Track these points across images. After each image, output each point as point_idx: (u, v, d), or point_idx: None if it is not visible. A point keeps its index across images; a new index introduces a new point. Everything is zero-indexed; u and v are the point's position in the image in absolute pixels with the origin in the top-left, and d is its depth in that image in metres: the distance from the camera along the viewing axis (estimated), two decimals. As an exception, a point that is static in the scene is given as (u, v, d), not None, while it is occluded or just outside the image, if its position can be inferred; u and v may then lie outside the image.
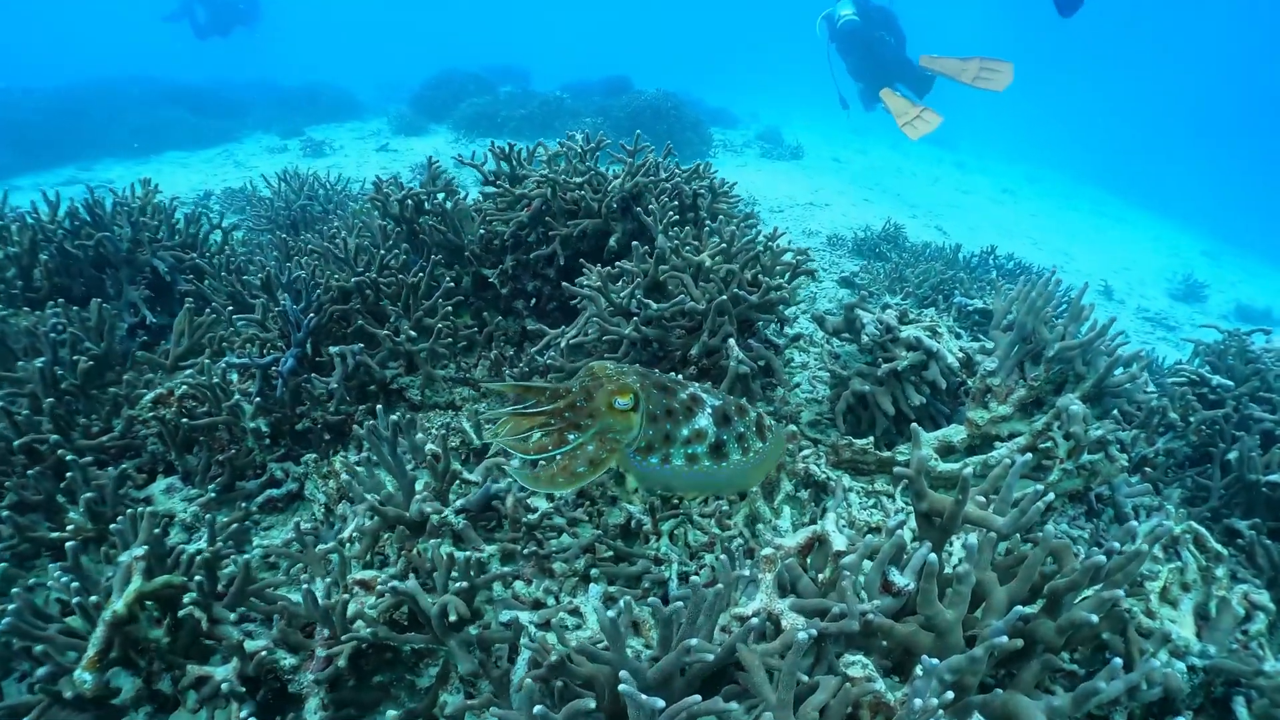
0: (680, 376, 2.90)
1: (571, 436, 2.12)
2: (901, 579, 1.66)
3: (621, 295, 2.64)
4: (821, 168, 13.51)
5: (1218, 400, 3.64)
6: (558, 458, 2.11)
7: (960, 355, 3.11)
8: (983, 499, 1.72)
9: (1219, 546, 2.69)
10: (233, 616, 2.16)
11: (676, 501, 2.61)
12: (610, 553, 2.46)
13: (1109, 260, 12.22)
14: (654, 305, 2.57)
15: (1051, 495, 1.72)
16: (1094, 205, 17.96)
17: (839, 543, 1.77)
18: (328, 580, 2.38)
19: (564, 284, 2.79)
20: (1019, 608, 1.45)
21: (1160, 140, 33.71)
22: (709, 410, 2.34)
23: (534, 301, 3.78)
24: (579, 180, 3.28)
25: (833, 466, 3.00)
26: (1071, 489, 2.89)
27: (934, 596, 1.49)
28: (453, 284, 3.50)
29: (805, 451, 2.73)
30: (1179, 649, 2.24)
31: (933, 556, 1.45)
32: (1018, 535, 2.08)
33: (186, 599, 2.07)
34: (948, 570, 2.00)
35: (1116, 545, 1.55)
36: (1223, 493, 3.22)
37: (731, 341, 2.48)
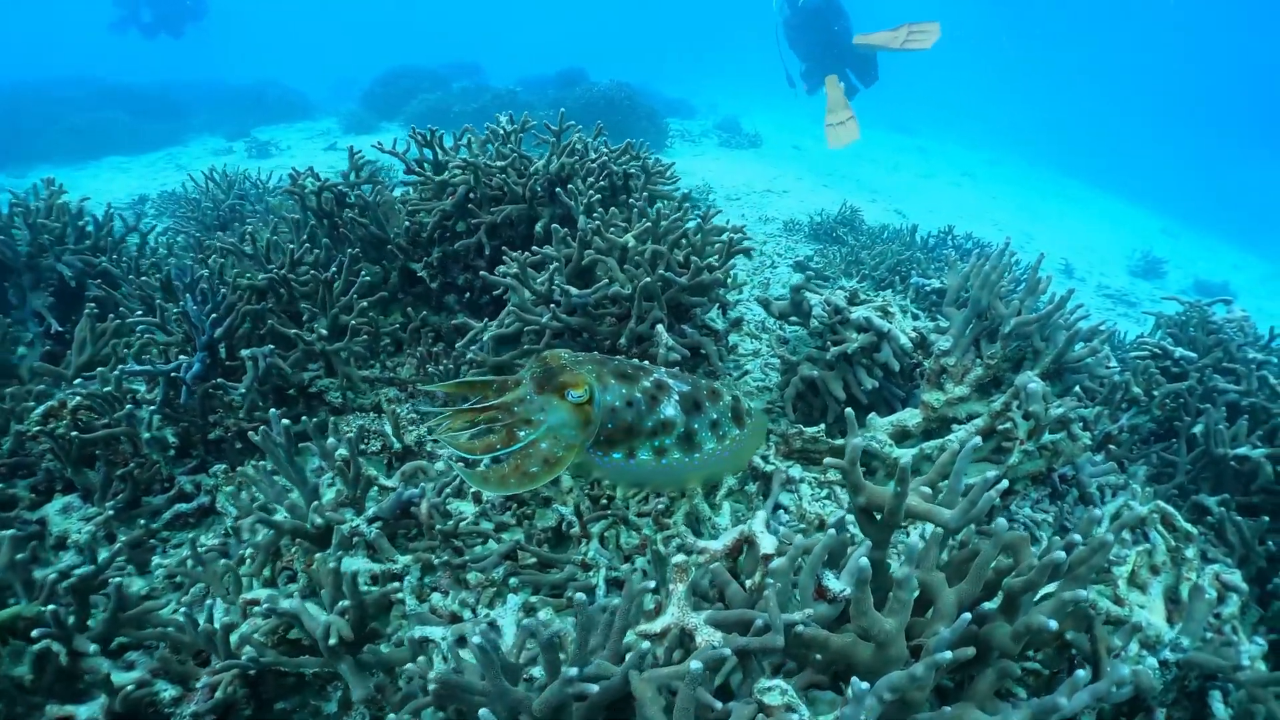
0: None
1: (522, 434, 1.96)
2: (837, 584, 1.47)
3: (540, 283, 2.41)
4: (780, 155, 13.37)
5: (1181, 373, 3.51)
6: (509, 457, 1.94)
7: (914, 335, 2.93)
8: (928, 489, 1.53)
9: (1188, 526, 2.55)
10: (93, 648, 1.91)
11: (606, 501, 2.39)
12: (533, 559, 2.24)
13: (1069, 240, 12.23)
14: (575, 292, 2.35)
15: (1005, 483, 1.53)
16: (1053, 187, 18.09)
17: (767, 545, 1.57)
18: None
19: (483, 274, 2.56)
20: (967, 615, 1.25)
21: (1117, 122, 34.19)
22: (676, 397, 2.17)
23: (466, 295, 3.54)
24: (501, 164, 3.04)
25: (784, 457, 2.81)
26: (1034, 471, 2.74)
27: (869, 605, 1.29)
28: (370, 279, 3.25)
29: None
30: (1150, 640, 2.08)
31: (866, 561, 1.25)
32: (972, 526, 1.90)
33: (36, 632, 1.82)
34: (895, 569, 1.81)
35: (1078, 538, 1.36)
36: (1189, 468, 3.09)
37: (660, 328, 2.27)
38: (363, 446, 2.93)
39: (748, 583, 1.60)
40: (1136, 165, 23.85)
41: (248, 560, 2.22)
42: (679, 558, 1.50)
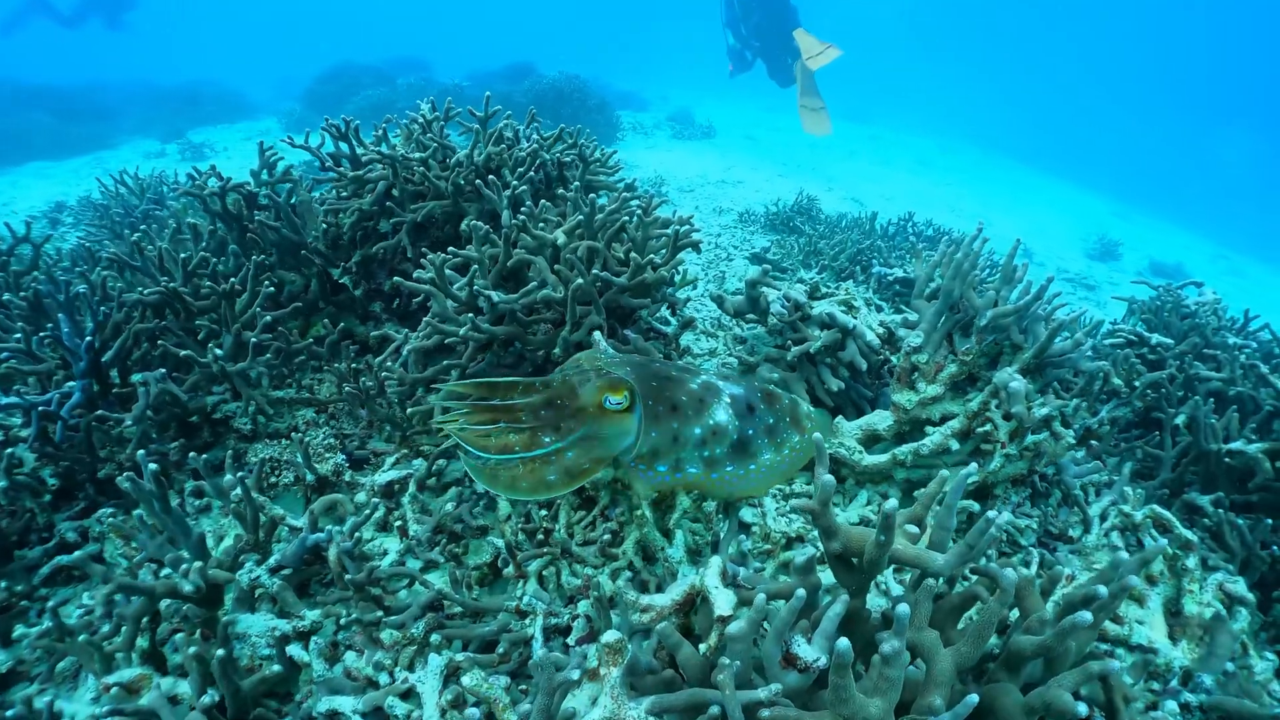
0: (694, 362, 2.39)
1: (546, 439, 1.74)
2: (810, 651, 1.19)
3: (459, 288, 2.09)
4: (734, 146, 13.14)
5: (1159, 360, 3.33)
6: (525, 460, 1.73)
7: (881, 330, 2.68)
8: (914, 528, 1.26)
9: (1187, 532, 2.33)
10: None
11: (543, 535, 2.09)
12: (459, 609, 1.94)
13: (1026, 225, 12.21)
14: (496, 296, 2.04)
15: (1006, 516, 1.27)
16: (1006, 173, 18.18)
17: (722, 604, 1.28)
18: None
19: (397, 280, 2.23)
20: (972, 699, 0.98)
21: (1063, 107, 34.77)
22: (727, 400, 1.93)
23: (395, 303, 3.20)
24: (421, 156, 2.71)
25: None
26: (1015, 474, 2.51)
27: (851, 691, 1.01)
28: (290, 289, 2.90)
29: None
30: (1159, 669, 1.85)
31: (846, 643, 0.97)
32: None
33: None
34: (876, 609, 1.54)
35: (1103, 592, 1.10)
36: (1174, 462, 2.90)
37: (597, 335, 1.98)
38: (273, 479, 2.59)
39: (702, 647, 1.32)
40: (1084, 150, 24.24)
41: (118, 631, 1.87)
42: (610, 635, 1.21)
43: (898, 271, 4.01)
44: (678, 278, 2.62)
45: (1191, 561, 2.28)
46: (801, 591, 1.11)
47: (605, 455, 1.78)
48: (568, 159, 2.80)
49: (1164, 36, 45.14)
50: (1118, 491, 2.63)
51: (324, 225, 3.06)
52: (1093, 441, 2.94)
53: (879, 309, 3.20)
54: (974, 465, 1.27)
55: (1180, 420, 3.00)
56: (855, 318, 2.61)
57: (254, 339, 2.53)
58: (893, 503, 1.10)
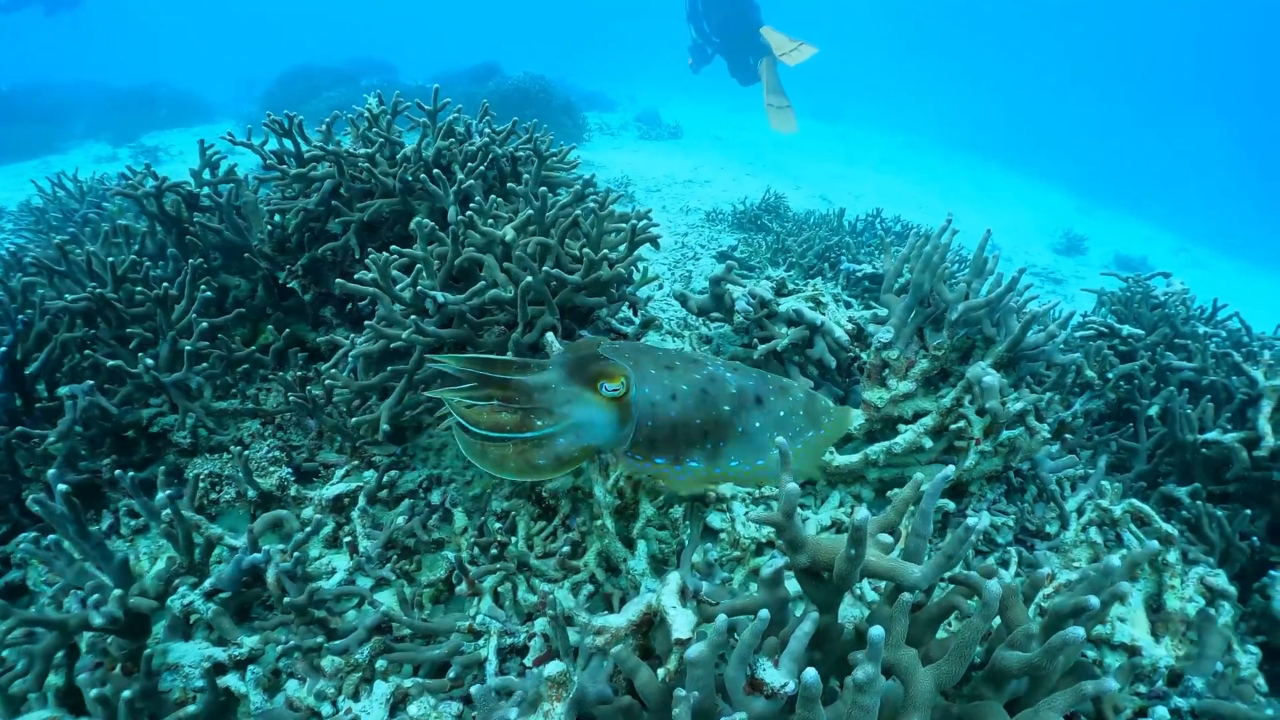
0: (701, 351, 2.29)
1: (539, 422, 1.71)
2: (776, 675, 1.08)
3: (403, 289, 1.96)
4: (702, 146, 13.08)
5: (1130, 352, 3.29)
6: (515, 440, 1.69)
7: (850, 327, 2.60)
8: (887, 537, 1.16)
9: (1167, 526, 2.27)
10: None
11: (498, 550, 1.97)
12: (408, 630, 1.81)
13: (992, 221, 12.29)
14: (441, 297, 1.91)
15: (987, 520, 1.18)
16: (972, 171, 18.33)
17: (681, 626, 1.17)
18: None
19: (340, 282, 2.10)
20: (957, 730, 0.88)
21: (1026, 105, 35.27)
22: (733, 392, 1.87)
23: (348, 307, 3.05)
24: (368, 151, 2.57)
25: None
26: (990, 471, 2.44)
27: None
28: (215, 294, 2.74)
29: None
30: (1145, 670, 1.77)
31: (814, 675, 0.87)
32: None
33: None
34: (852, 619, 1.44)
35: (1094, 603, 1.01)
36: (1149, 453, 2.85)
37: (550, 336, 1.86)
38: (214, 495, 2.43)
39: (661, 671, 1.20)
40: (1048, 147, 24.54)
41: (29, 671, 1.71)
42: (553, 668, 1.09)
43: (866, 268, 3.94)
44: (637, 275, 2.51)
45: (1172, 556, 2.22)
46: (764, 613, 1.01)
47: (597, 444, 1.75)
48: (522, 154, 2.67)
49: (1122, 34, 46.08)
50: (1094, 485, 2.57)
51: (268, 227, 2.90)
52: (1067, 435, 2.88)
53: (848, 305, 3.12)
54: (950, 468, 1.17)
55: (1154, 411, 2.96)
56: (823, 314, 2.52)
57: (189, 347, 2.37)
58: (863, 513, 0.99)
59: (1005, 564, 2.28)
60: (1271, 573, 2.37)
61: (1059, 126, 31.35)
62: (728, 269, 2.49)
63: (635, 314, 2.49)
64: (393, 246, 1.97)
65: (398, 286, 1.96)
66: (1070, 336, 3.49)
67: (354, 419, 2.10)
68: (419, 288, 1.88)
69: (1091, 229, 12.50)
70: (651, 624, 1.29)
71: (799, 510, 2.21)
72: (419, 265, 1.97)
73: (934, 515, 1.15)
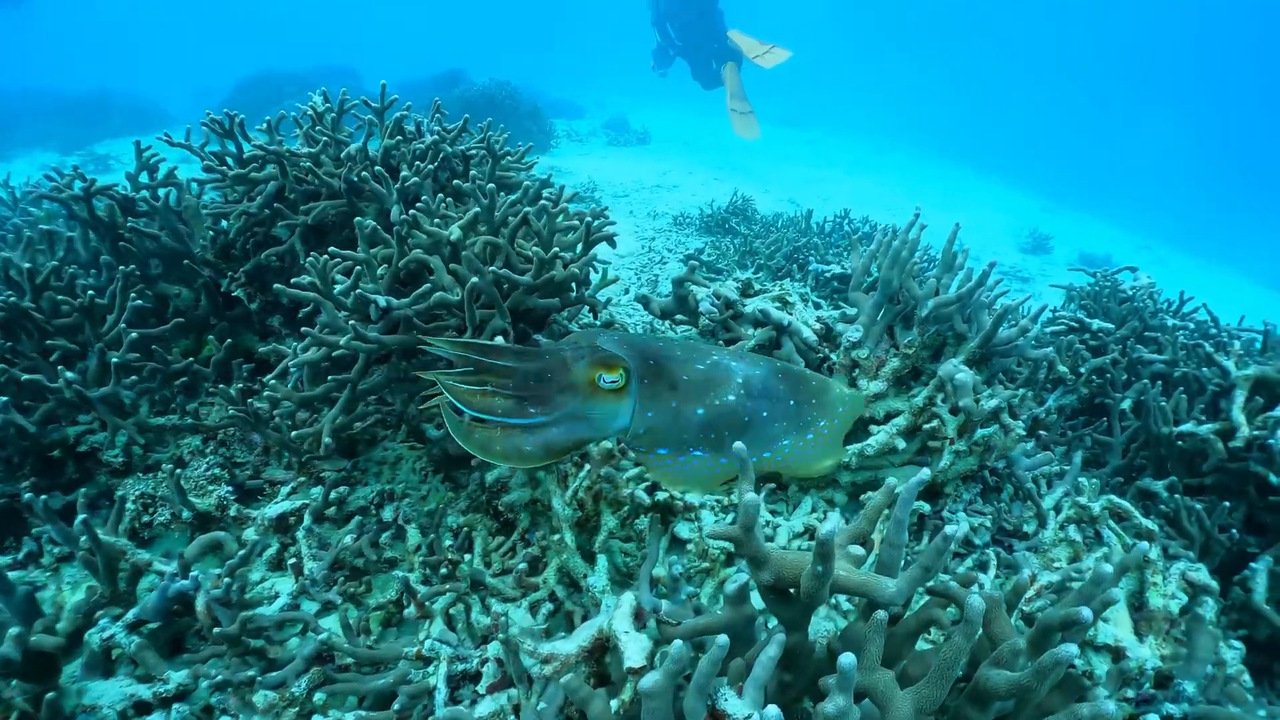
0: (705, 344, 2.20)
1: (533, 410, 1.65)
2: (739, 706, 0.98)
3: (342, 293, 1.83)
4: (670, 151, 13.03)
5: (1101, 346, 3.25)
6: (504, 425, 1.61)
7: (818, 327, 2.51)
8: (858, 548, 1.06)
9: (1147, 521, 2.21)
10: None
11: (449, 568, 1.84)
12: (351, 659, 1.68)
13: (960, 221, 12.35)
14: (383, 300, 1.79)
15: (966, 526, 1.08)
16: (939, 173, 18.51)
17: (634, 654, 1.06)
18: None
19: (277, 287, 1.97)
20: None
21: (990, 108, 35.84)
22: (739, 381, 1.80)
23: (298, 314, 2.91)
24: (312, 151, 2.44)
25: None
26: (965, 470, 2.37)
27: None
28: (151, 304, 2.59)
29: (630, 471, 2.03)
30: (1131, 673, 1.70)
31: (774, 712, 0.76)
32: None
33: None
34: (824, 633, 1.35)
35: (1087, 614, 0.92)
36: (1124, 447, 2.81)
37: (500, 341, 1.74)
38: (146, 518, 2.28)
39: (615, 702, 1.09)
40: (1011, 149, 24.92)
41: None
42: (485, 709, 0.97)
43: (835, 268, 3.87)
44: (595, 277, 2.41)
45: (1154, 552, 2.16)
46: (723, 639, 0.90)
47: (591, 436, 1.69)
48: (473, 152, 2.56)
49: (1082, 38, 47.07)
50: (1070, 482, 2.51)
51: (210, 232, 2.76)
52: (1041, 432, 2.83)
53: (817, 305, 3.04)
54: (925, 471, 1.08)
55: (1126, 405, 2.92)
56: (790, 314, 2.44)
57: (117, 360, 2.22)
58: (829, 526, 0.90)
59: (984, 566, 2.21)
60: (1252, 565, 2.32)
61: (1023, 130, 31.89)
62: (690, 269, 2.40)
63: (595, 317, 2.39)
64: (331, 248, 1.84)
65: (339, 290, 1.83)
66: (1041, 332, 3.45)
67: (294, 433, 1.97)
68: (358, 291, 1.75)
69: (1056, 229, 12.64)
70: (605, 649, 1.18)
71: (761, 522, 2.13)
72: (359, 268, 1.85)
73: (909, 521, 1.06)
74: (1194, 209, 23.68)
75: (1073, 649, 0.82)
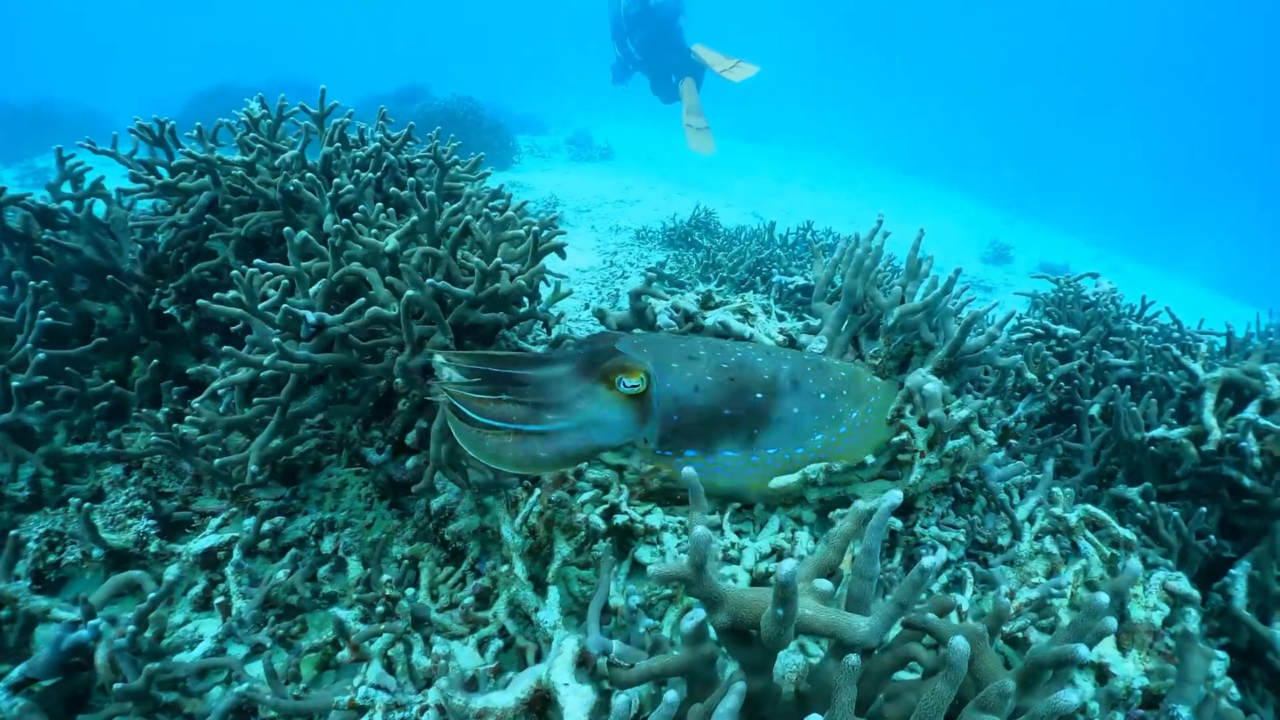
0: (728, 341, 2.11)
1: (549, 416, 1.60)
2: (699, 766, 0.85)
3: (267, 308, 1.69)
4: (633, 166, 12.99)
5: (1067, 352, 3.22)
6: (517, 431, 1.56)
7: (781, 338, 2.42)
8: (825, 583, 0.95)
9: (1125, 531, 2.14)
10: None
11: (389, 604, 1.69)
12: (275, 712, 1.52)
13: (923, 232, 12.48)
14: (313, 316, 1.65)
15: (944, 555, 0.98)
16: (901, 186, 18.75)
17: (575, 709, 0.94)
18: None
19: (201, 303, 1.81)
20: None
21: (949, 122, 36.58)
22: (765, 378, 1.77)
23: (231, 332, 2.74)
24: (246, 159, 2.29)
25: (641, 500, 2.21)
26: (936, 484, 2.28)
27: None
28: (58, 319, 2.42)
29: (586, 494, 1.91)
30: (1119, 695, 1.61)
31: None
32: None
33: None
34: (794, 669, 1.23)
35: (1082, 653, 0.82)
36: (1095, 454, 2.76)
37: (439, 358, 1.61)
38: (53, 557, 2.09)
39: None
40: (970, 162, 25.43)
41: None
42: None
43: (799, 279, 3.80)
44: (546, 290, 2.29)
45: (1134, 562, 2.09)
46: (671, 696, 0.79)
47: (611, 441, 1.65)
48: (418, 160, 2.43)
49: (1034, 52, 48.31)
50: (1043, 491, 2.44)
51: (139, 246, 2.58)
52: (1011, 440, 2.77)
53: (780, 317, 2.96)
54: (896, 493, 0.98)
55: (1095, 411, 2.87)
56: (752, 325, 2.35)
57: (19, 383, 2.04)
58: (789, 567, 0.79)
59: (960, 582, 2.12)
60: (1232, 571, 2.27)
61: (981, 143, 32.58)
62: (647, 281, 2.30)
63: (549, 332, 2.27)
64: (258, 261, 1.70)
65: (266, 305, 1.69)
66: (1008, 340, 3.41)
67: (218, 461, 1.81)
68: (285, 307, 1.61)
69: (1016, 239, 12.84)
70: (547, 701, 1.05)
71: (724, 545, 2.01)
72: (284, 282, 1.71)
73: (881, 550, 0.95)
74: (1143, 217, 24.37)
75: (1072, 699, 0.72)
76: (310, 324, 1.63)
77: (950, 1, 48.98)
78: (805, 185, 15.35)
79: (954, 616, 1.89)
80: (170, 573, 1.95)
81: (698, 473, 1.62)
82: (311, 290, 1.88)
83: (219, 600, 1.86)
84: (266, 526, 1.97)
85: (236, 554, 1.93)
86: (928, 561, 0.87)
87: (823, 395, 1.81)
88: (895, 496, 0.97)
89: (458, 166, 2.56)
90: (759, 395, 1.72)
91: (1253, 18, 43.25)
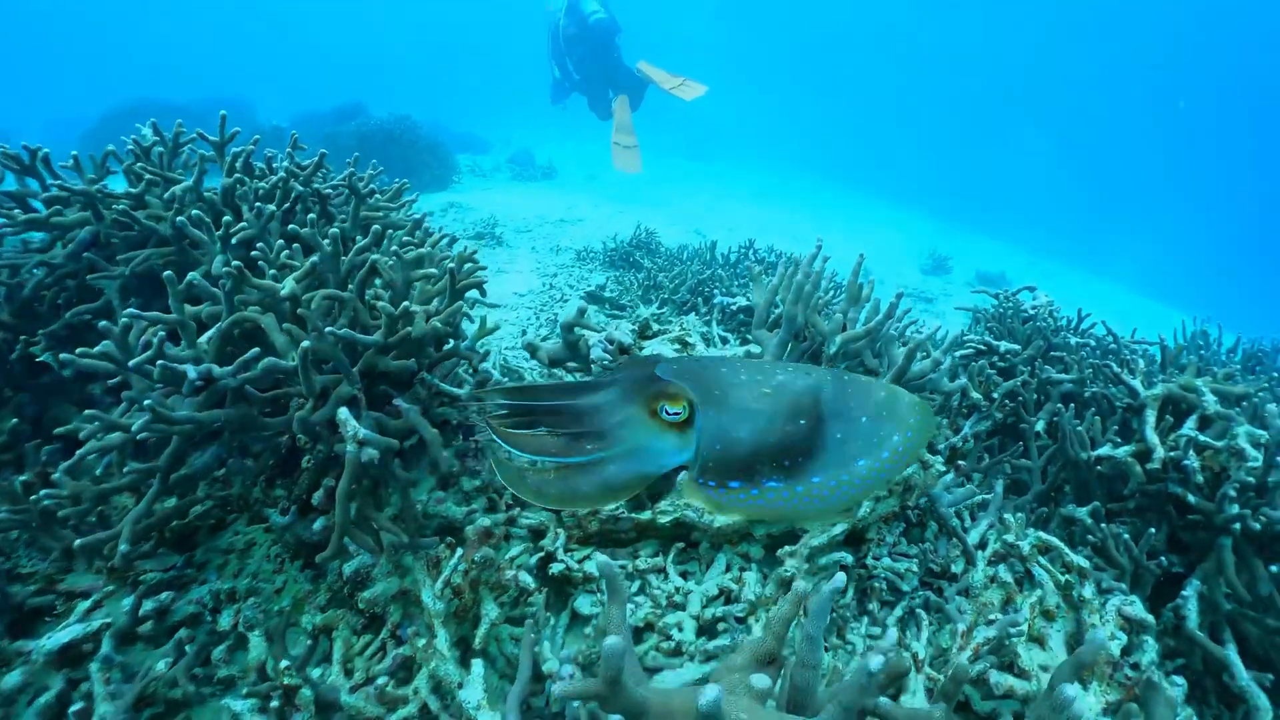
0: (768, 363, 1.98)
1: (589, 446, 1.55)
2: None
3: (137, 364, 1.50)
4: (575, 186, 12.89)
5: (1009, 367, 3.20)
6: (558, 465, 1.53)
7: (722, 366, 2.32)
8: (764, 679, 0.83)
9: (1078, 558, 2.09)
10: None
11: (285, 690, 1.51)
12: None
13: (863, 246, 12.64)
14: (193, 372, 1.47)
15: (890, 644, 0.87)
16: (841, 200, 19.07)
17: None
18: None
19: (65, 356, 1.61)
20: None
21: (885, 137, 37.54)
22: (807, 403, 1.69)
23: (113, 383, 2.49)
24: (134, 191, 2.09)
25: (580, 544, 2.08)
26: (887, 513, 2.21)
27: None
28: None
29: (515, 548, 1.76)
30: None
31: None
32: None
33: None
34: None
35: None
36: (1043, 471, 2.72)
37: (344, 413, 1.45)
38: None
39: None
40: (907, 174, 26.09)
41: None
42: None
43: (740, 300, 3.73)
44: (471, 326, 2.15)
45: (1089, 590, 2.04)
46: None
47: (653, 472, 1.57)
48: (329, 191, 2.26)
49: (961, 66, 49.97)
50: (994, 513, 2.38)
51: (3, 287, 2.34)
52: (960, 460, 2.71)
53: (723, 341, 2.86)
54: (840, 576, 0.87)
55: (1040, 426, 2.85)
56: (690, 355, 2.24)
57: None
58: (711, 693, 0.66)
59: (915, 622, 2.03)
60: (1184, 592, 2.24)
61: (917, 156, 33.49)
62: (580, 312, 2.17)
63: (475, 371, 2.11)
64: (130, 310, 1.51)
65: (141, 360, 1.50)
66: (954, 360, 3.39)
67: (78, 543, 1.61)
68: (161, 362, 1.43)
69: (953, 249, 13.10)
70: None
71: (669, 590, 1.89)
72: (161, 332, 1.53)
73: (825, 635, 0.84)
74: (1069, 224, 25.32)
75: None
76: (193, 380, 1.46)
77: (883, 21, 50.40)
78: (748, 201, 15.47)
79: (911, 666, 1.80)
80: (8, 681, 1.67)
81: (742, 505, 1.61)
82: (205, 337, 1.70)
83: (76, 708, 1.60)
84: (149, 605, 1.74)
85: (106, 645, 1.67)
86: (873, 664, 0.75)
87: (865, 419, 1.72)
88: (839, 580, 0.86)
89: (377, 195, 2.39)
90: (802, 422, 1.64)
91: (1163, 33, 45.59)
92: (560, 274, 5.49)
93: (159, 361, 1.43)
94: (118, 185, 2.49)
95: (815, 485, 1.64)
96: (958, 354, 3.34)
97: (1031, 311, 3.72)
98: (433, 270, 1.71)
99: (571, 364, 2.26)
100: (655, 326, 2.44)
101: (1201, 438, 2.33)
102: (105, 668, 1.56)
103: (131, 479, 1.63)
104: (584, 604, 1.91)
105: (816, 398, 1.69)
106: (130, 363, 1.43)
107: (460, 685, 1.52)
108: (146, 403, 1.42)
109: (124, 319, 1.51)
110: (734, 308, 3.69)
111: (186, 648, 1.64)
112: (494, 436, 1.49)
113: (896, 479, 1.86)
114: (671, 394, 1.57)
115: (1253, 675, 2.08)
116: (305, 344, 1.43)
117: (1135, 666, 1.89)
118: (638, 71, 10.14)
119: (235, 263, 1.57)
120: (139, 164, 2.19)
